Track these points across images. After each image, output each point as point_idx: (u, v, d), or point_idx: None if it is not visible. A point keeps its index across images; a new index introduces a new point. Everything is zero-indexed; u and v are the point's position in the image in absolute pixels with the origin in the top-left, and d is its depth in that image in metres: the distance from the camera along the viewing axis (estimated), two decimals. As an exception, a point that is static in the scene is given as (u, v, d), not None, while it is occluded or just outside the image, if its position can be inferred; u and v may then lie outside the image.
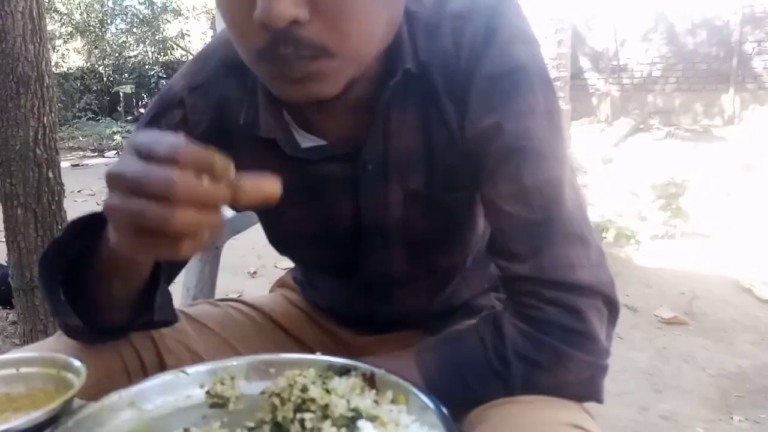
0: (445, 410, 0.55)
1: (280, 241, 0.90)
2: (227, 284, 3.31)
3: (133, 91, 13.10)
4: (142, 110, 14.68)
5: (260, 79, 0.67)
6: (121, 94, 12.73)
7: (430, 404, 0.57)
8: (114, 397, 0.61)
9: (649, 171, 5.13)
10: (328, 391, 0.59)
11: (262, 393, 0.62)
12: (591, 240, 0.71)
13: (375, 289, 0.89)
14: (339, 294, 0.95)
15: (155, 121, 0.79)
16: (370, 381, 0.63)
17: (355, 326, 0.98)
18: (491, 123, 0.69)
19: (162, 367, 0.83)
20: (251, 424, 0.57)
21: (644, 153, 7.02)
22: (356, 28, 0.59)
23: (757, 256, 4.02)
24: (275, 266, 3.79)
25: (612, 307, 0.71)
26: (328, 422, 0.55)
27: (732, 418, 2.32)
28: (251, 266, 4.01)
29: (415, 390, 0.60)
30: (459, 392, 0.70)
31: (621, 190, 4.95)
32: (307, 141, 0.76)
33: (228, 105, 0.77)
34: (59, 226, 2.11)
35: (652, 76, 9.37)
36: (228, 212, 1.60)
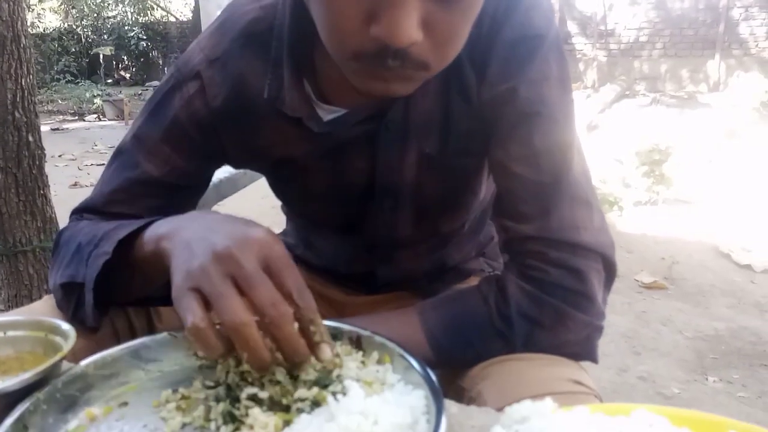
0: (429, 370, 0.57)
1: (291, 194, 0.91)
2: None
3: (113, 52, 12.78)
4: (123, 73, 14.36)
5: (343, 69, 0.63)
6: (100, 55, 12.42)
7: (415, 364, 0.58)
8: (102, 360, 0.62)
9: (634, 137, 5.16)
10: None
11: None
12: (595, 204, 0.73)
13: (377, 249, 0.91)
14: (340, 253, 0.96)
15: (171, 93, 0.79)
16: (357, 343, 0.64)
17: (349, 286, 0.99)
18: (507, 87, 0.71)
19: (151, 330, 0.83)
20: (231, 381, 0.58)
21: (630, 119, 7.05)
22: (456, 48, 0.63)
23: (737, 222, 4.10)
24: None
25: (610, 270, 0.74)
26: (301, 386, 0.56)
27: (707, 378, 2.40)
28: (237, 232, 4.00)
29: (399, 350, 0.61)
30: (461, 350, 0.72)
31: (606, 156, 4.98)
32: (327, 113, 0.76)
33: (248, 78, 0.76)
34: (41, 191, 2.08)
35: (639, 41, 9.34)
36: (215, 178, 1.58)
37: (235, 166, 0.89)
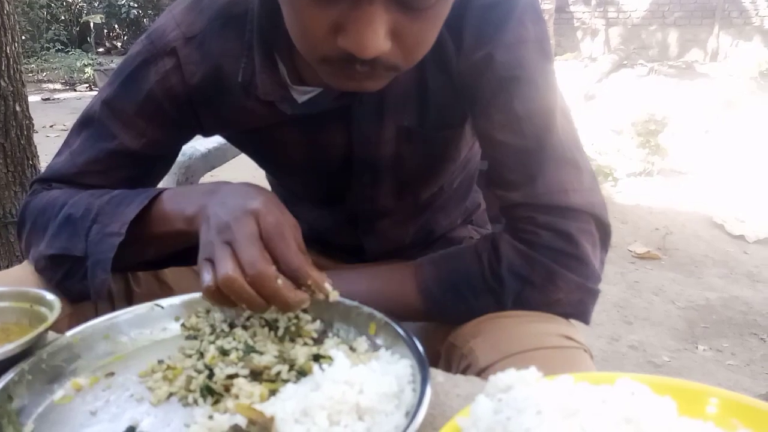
0: (415, 339, 0.57)
1: (271, 166, 0.92)
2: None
3: (104, 21, 12.54)
4: (115, 42, 14.12)
5: (314, 66, 0.64)
6: (90, 24, 12.19)
7: (402, 333, 0.59)
8: (88, 330, 0.62)
9: (631, 108, 5.13)
10: (297, 318, 0.61)
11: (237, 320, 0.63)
12: (583, 165, 0.73)
13: (359, 220, 0.91)
14: (324, 224, 0.96)
15: (145, 66, 0.78)
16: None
17: (338, 256, 0.99)
18: (483, 54, 0.70)
19: (129, 295, 0.83)
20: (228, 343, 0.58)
21: (627, 89, 6.99)
22: (424, 50, 0.63)
23: (731, 192, 4.11)
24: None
25: (603, 231, 0.74)
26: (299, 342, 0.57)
27: (697, 347, 2.44)
28: (231, 203, 3.99)
29: (386, 320, 0.61)
30: (453, 303, 0.74)
31: (602, 127, 4.95)
32: (301, 95, 0.76)
33: (224, 60, 0.76)
34: (30, 162, 2.05)
35: (638, 10, 9.21)
36: (203, 147, 1.57)
37: (209, 136, 0.89)
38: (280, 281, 0.59)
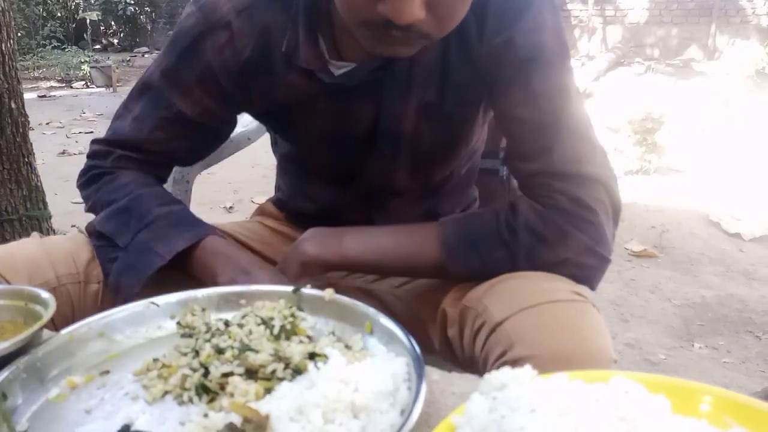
0: (411, 338, 0.57)
1: (297, 138, 0.95)
2: (203, 219, 3.27)
3: (100, 18, 12.48)
4: (112, 39, 14.06)
5: (353, 31, 0.71)
6: (87, 20, 12.14)
7: (397, 332, 0.59)
8: (83, 329, 0.62)
9: (628, 106, 5.13)
10: (293, 316, 0.61)
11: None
12: (595, 141, 0.79)
13: (373, 198, 0.95)
14: (337, 202, 0.98)
15: (201, 38, 0.83)
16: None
17: None
18: (503, 38, 0.76)
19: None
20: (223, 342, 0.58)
21: (624, 87, 6.99)
22: (456, 21, 0.70)
23: (728, 190, 4.11)
24: (252, 201, 3.76)
25: (614, 202, 0.78)
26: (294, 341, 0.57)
27: (693, 345, 2.44)
28: (227, 201, 3.98)
29: (381, 319, 0.61)
30: (470, 258, 0.78)
31: (599, 125, 4.95)
32: (338, 69, 0.82)
33: (271, 31, 0.82)
34: (25, 159, 2.05)
35: (637, 8, 9.21)
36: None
37: (254, 113, 0.95)
38: None
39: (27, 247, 0.82)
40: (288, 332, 0.62)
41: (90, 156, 0.93)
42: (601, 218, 0.76)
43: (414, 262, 0.80)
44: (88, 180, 0.91)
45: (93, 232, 0.85)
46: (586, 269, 0.76)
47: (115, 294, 0.80)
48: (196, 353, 0.58)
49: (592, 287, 0.77)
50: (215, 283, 0.75)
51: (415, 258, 0.80)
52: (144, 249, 0.79)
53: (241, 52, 0.83)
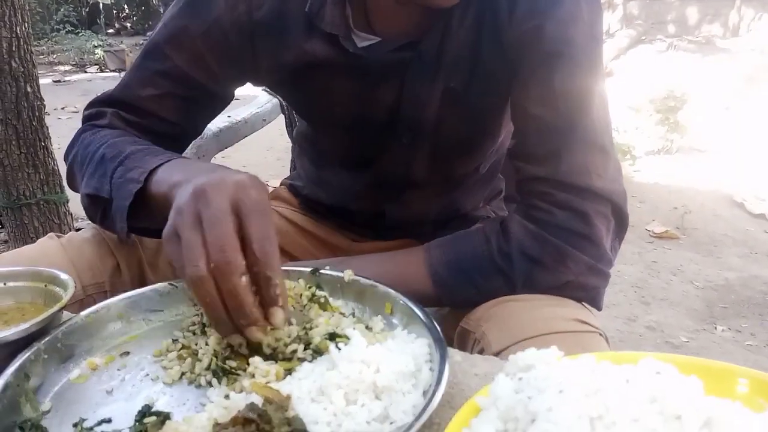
0: (432, 319, 0.56)
1: (313, 115, 0.91)
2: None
3: (113, 1, 12.52)
4: (125, 23, 14.10)
5: None
6: (100, 4, 12.18)
7: (418, 313, 0.58)
8: (102, 310, 0.62)
9: (650, 84, 5.02)
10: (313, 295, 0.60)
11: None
12: (611, 154, 0.73)
13: (388, 186, 0.91)
14: (351, 189, 0.95)
15: None
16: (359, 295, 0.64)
17: (356, 230, 0.99)
18: (534, 25, 0.70)
19: (142, 278, 0.83)
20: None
21: (646, 66, 6.85)
22: None
23: (752, 170, 4.02)
24: (267, 184, 3.76)
25: (620, 219, 0.73)
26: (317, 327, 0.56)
27: (715, 327, 2.40)
28: (245, 184, 3.99)
29: (402, 299, 0.60)
30: (462, 286, 0.73)
31: (620, 104, 4.86)
32: (362, 41, 0.77)
33: None
34: (42, 143, 2.06)
35: (658, -16, 8.98)
36: (214, 126, 1.56)
37: (262, 82, 0.89)
38: (244, 279, 0.51)
39: (48, 253, 0.78)
40: (322, 305, 0.61)
41: (83, 121, 0.85)
42: (602, 234, 0.70)
43: (404, 293, 0.65)
44: (68, 153, 0.82)
45: (85, 203, 0.76)
46: (590, 290, 0.71)
47: (125, 241, 0.77)
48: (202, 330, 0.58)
49: (598, 307, 0.73)
50: (169, 187, 0.62)
51: (405, 290, 0.65)
52: (121, 184, 0.69)
53: (255, 10, 0.78)
